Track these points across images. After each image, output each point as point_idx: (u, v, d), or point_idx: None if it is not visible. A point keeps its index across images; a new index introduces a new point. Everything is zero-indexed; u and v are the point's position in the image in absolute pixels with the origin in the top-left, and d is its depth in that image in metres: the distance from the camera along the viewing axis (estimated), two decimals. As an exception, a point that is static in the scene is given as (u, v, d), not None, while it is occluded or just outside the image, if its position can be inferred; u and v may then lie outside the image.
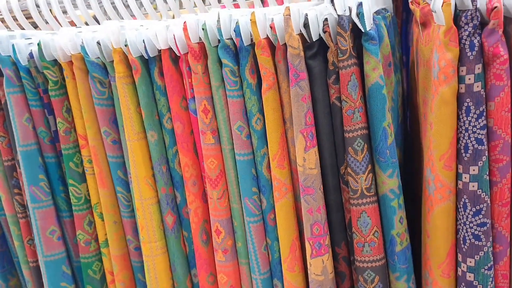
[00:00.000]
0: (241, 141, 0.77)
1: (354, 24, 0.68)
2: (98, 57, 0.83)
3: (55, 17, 1.00)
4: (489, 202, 0.63)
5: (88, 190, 0.92)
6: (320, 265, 0.75)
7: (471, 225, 0.64)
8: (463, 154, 0.63)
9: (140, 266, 0.94)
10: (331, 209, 0.76)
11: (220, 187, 0.80)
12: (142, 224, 0.86)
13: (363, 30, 0.65)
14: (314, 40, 0.70)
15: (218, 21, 0.74)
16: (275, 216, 0.80)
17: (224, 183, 0.81)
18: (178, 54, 0.78)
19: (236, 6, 0.94)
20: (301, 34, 0.70)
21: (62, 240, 0.95)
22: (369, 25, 0.65)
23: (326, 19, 0.69)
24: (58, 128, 0.88)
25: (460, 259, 0.67)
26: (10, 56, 0.86)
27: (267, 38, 0.73)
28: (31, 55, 0.86)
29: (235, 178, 0.80)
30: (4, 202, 0.99)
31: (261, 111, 0.76)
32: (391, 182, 0.69)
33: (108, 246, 0.94)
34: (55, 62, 0.86)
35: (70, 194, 0.91)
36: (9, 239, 1.05)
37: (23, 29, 1.00)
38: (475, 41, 0.59)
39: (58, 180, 0.93)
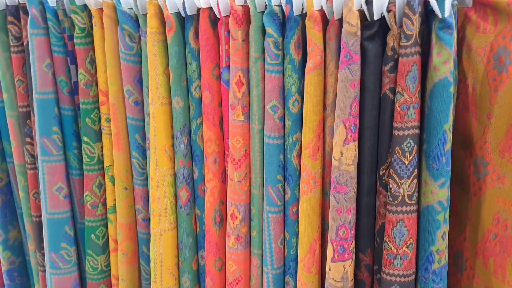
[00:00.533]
0: (273, 122, 0.69)
1: (422, 7, 0.60)
2: (131, 8, 0.75)
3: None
4: None
5: (102, 151, 0.86)
6: (341, 271, 0.68)
7: None
8: None
9: (146, 239, 0.88)
10: (362, 211, 0.68)
11: (243, 169, 0.73)
12: (154, 195, 0.80)
13: (440, 16, 0.56)
14: (375, 19, 0.61)
15: None
16: (298, 210, 0.72)
17: (247, 165, 0.74)
18: (218, 16, 0.70)
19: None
20: (360, 11, 0.62)
21: (68, 198, 0.90)
22: (448, 11, 0.56)
23: None
24: (79, 80, 0.82)
25: None
26: (37, -6, 0.80)
27: (321, 10, 0.64)
28: (60, -5, 0.79)
29: (260, 161, 0.73)
30: (14, 149, 0.94)
31: (301, 92, 0.68)
32: (441, 193, 0.60)
33: (116, 212, 0.89)
34: (85, 7, 0.79)
35: (83, 152, 0.85)
36: (14, 188, 1.00)
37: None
38: None
39: (72, 135, 0.88)
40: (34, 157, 0.92)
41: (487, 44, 0.63)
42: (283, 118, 0.70)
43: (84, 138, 0.85)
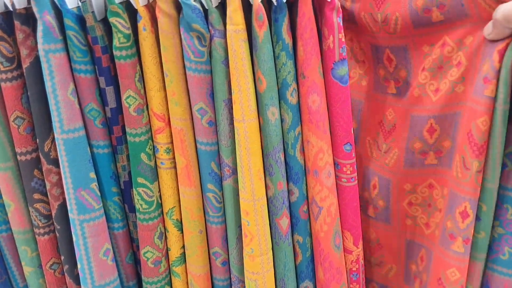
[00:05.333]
0: None
1: None
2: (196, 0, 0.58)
3: None
4: None
5: (159, 191, 0.67)
6: None
7: None
8: None
9: (224, 285, 0.71)
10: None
11: (483, 158, 0.57)
12: (252, 232, 0.64)
13: None
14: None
15: None
16: None
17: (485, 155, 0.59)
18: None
19: None
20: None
21: (115, 261, 0.68)
22: None
23: None
24: (126, 105, 0.61)
25: None
26: (49, -6, 0.57)
27: None
28: (86, -6, 0.57)
29: (500, 149, 0.57)
30: (12, 213, 0.69)
31: None
32: None
33: (184, 263, 0.70)
34: (126, 6, 0.58)
35: (138, 197, 0.65)
36: (11, 264, 0.74)
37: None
38: None
39: (110, 179, 0.66)
40: (48, 217, 0.68)
41: None
42: None
43: (139, 180, 0.64)
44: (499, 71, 0.52)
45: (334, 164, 0.64)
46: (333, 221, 0.65)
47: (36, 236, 0.69)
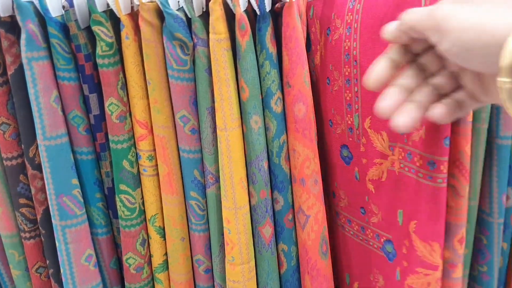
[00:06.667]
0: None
1: None
2: (180, 8, 0.58)
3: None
4: None
5: (142, 198, 0.67)
6: None
7: None
8: None
9: (208, 293, 0.71)
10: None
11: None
12: (233, 241, 0.64)
13: None
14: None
15: None
16: None
17: None
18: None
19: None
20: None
21: (98, 267, 0.68)
22: None
23: None
24: (109, 112, 0.61)
25: None
26: (32, 2, 0.57)
27: None
28: (70, 2, 0.57)
29: (481, 167, 0.58)
30: (0, 217, 0.69)
31: None
32: None
33: (167, 270, 0.70)
34: (109, 14, 0.58)
35: (120, 204, 0.65)
36: (0, 267, 0.75)
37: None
38: None
39: (94, 185, 0.66)
40: (34, 222, 0.69)
41: None
42: None
43: (121, 187, 0.64)
44: None
45: (320, 172, 0.64)
46: (320, 228, 0.65)
47: (23, 240, 0.70)
